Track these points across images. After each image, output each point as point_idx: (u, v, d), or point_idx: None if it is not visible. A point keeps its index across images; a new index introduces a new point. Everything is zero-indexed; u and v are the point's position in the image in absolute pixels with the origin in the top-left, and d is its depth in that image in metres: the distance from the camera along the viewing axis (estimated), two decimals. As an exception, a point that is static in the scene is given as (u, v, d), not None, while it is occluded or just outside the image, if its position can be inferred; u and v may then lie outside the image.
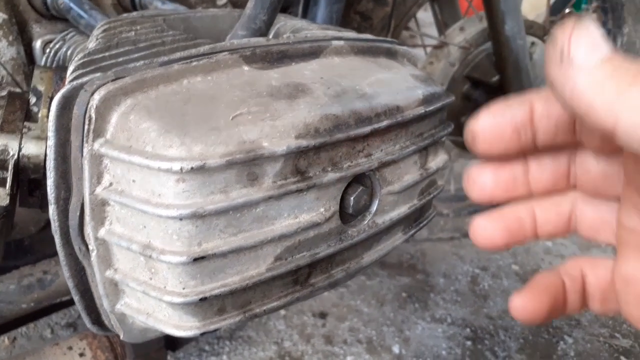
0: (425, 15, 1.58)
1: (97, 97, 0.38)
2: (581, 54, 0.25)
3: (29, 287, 0.77)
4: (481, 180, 0.34)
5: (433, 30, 1.57)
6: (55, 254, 0.83)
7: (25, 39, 0.72)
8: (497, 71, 1.33)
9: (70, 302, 0.82)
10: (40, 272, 0.79)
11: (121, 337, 0.46)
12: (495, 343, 1.34)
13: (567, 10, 1.65)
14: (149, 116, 0.38)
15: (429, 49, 1.44)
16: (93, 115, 0.38)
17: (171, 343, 0.93)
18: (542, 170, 0.34)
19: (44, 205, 0.53)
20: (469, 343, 1.34)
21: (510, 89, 1.32)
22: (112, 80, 0.39)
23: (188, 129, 0.37)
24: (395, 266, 1.57)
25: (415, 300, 1.46)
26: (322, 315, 1.38)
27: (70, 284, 0.45)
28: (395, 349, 1.29)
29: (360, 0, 1.24)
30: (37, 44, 0.71)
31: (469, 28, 1.39)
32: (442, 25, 1.53)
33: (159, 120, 0.38)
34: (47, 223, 0.80)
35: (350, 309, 1.41)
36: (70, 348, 0.75)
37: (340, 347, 1.29)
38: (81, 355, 0.75)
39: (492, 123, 0.32)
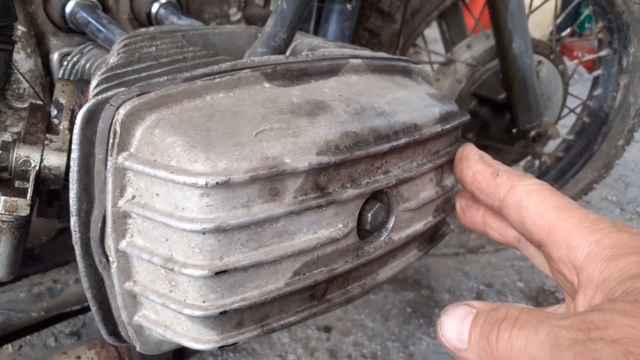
0: (429, 32, 1.59)
1: (122, 111, 0.39)
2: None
3: (39, 296, 0.78)
4: None
5: (439, 47, 1.59)
6: (65, 263, 0.83)
7: (42, 52, 0.73)
8: (504, 89, 1.34)
9: (80, 312, 0.82)
10: (50, 281, 0.79)
11: (137, 348, 0.46)
12: (500, 360, 1.34)
13: (568, 30, 1.66)
14: (174, 131, 0.39)
15: (435, 66, 1.45)
16: (118, 129, 0.39)
17: (178, 354, 0.93)
18: None
19: (61, 215, 0.54)
20: (473, 360, 1.34)
21: (517, 106, 1.33)
22: (137, 95, 0.40)
23: (212, 144, 0.38)
24: (400, 281, 1.57)
25: (420, 315, 1.46)
26: (327, 329, 1.38)
27: (88, 294, 0.45)
28: (400, 365, 1.29)
29: (369, 18, 1.26)
30: (55, 57, 0.72)
31: (475, 45, 1.41)
32: (449, 43, 1.55)
33: (184, 136, 0.38)
34: (58, 232, 0.81)
35: (355, 324, 1.40)
36: (78, 357, 0.75)
37: (345, 361, 1.29)
38: (89, 365, 0.75)
39: None
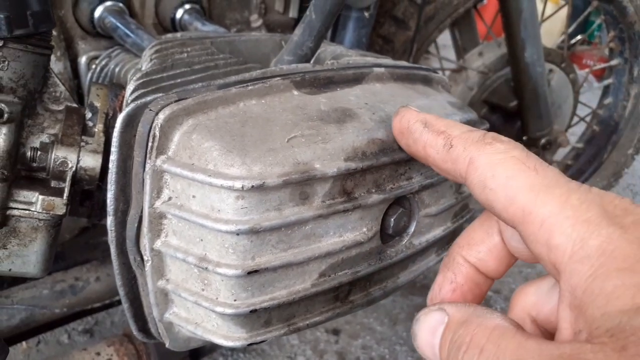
0: (440, 39, 1.61)
1: (161, 116, 0.41)
2: None
3: (62, 293, 0.80)
4: None
5: (450, 54, 1.60)
6: (86, 261, 0.85)
7: (70, 55, 0.75)
8: (516, 97, 1.35)
9: (100, 309, 0.84)
10: (72, 279, 0.81)
11: (167, 345, 0.48)
12: (507, 366, 1.35)
13: (579, 37, 1.67)
14: (211, 136, 0.40)
15: (447, 73, 1.46)
16: (157, 134, 0.41)
17: (194, 353, 0.94)
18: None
19: (92, 215, 0.56)
20: (481, 365, 1.35)
21: (527, 114, 1.34)
22: (176, 101, 0.42)
23: (247, 149, 0.40)
24: (409, 286, 1.58)
25: (428, 320, 1.47)
26: (335, 332, 1.39)
27: (121, 291, 0.47)
28: (408, 368, 1.30)
29: (383, 24, 1.28)
30: (83, 60, 0.74)
31: (487, 53, 1.42)
32: (461, 50, 1.56)
33: (220, 141, 0.40)
34: (80, 231, 0.83)
35: (363, 327, 1.42)
36: (98, 354, 0.77)
37: (354, 364, 1.30)
38: (109, 361, 0.77)
39: None
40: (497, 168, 0.31)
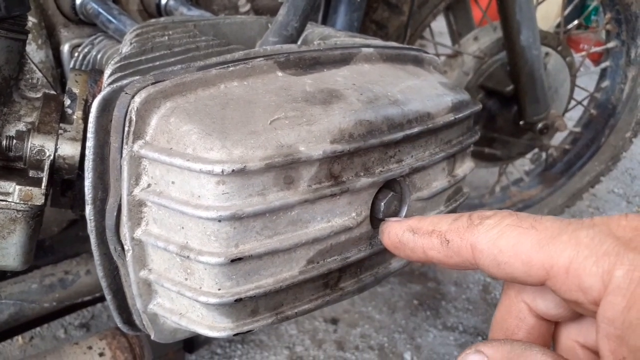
0: (435, 25, 1.59)
1: (137, 99, 0.39)
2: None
3: (51, 287, 0.78)
4: None
5: (446, 39, 1.58)
6: (76, 254, 0.84)
7: (53, 43, 0.73)
8: (512, 81, 1.33)
9: (91, 302, 0.82)
10: (61, 272, 0.80)
11: (152, 336, 0.46)
12: (507, 352, 1.34)
13: (576, 22, 1.65)
14: (189, 119, 0.39)
15: (442, 58, 1.44)
16: (133, 118, 0.39)
17: (189, 345, 0.93)
18: None
19: (74, 205, 0.54)
20: (480, 352, 1.34)
21: (524, 98, 1.33)
22: (152, 84, 0.40)
23: (228, 132, 0.38)
24: (407, 274, 1.57)
25: (427, 307, 1.46)
26: (334, 321, 1.39)
27: (103, 283, 0.45)
28: (407, 356, 1.29)
29: (376, 9, 1.25)
30: (65, 48, 0.72)
31: (483, 38, 1.40)
32: (456, 35, 1.54)
33: (199, 124, 0.38)
34: (69, 224, 0.81)
35: (362, 316, 1.41)
36: (90, 347, 0.76)
37: (352, 353, 1.29)
38: (101, 355, 0.75)
39: None
40: (500, 242, 0.31)
